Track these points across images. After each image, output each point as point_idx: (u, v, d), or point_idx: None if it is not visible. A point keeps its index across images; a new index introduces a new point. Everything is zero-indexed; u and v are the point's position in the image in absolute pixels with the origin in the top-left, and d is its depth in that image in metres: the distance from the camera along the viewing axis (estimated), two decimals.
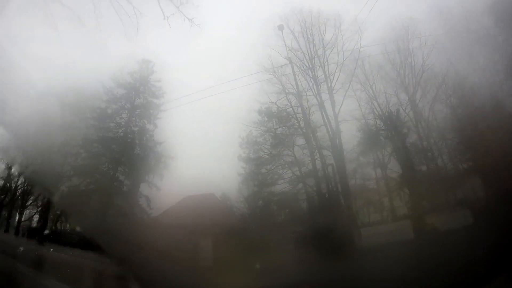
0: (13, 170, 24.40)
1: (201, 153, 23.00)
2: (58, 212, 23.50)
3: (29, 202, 24.90)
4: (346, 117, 22.83)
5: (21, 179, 24.62)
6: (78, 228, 21.87)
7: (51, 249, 19.56)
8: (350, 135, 22.98)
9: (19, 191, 25.02)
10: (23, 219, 24.31)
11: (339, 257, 14.87)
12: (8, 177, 24.35)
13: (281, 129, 22.80)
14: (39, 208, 24.53)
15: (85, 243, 16.83)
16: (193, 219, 20.79)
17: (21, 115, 19.90)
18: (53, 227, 23.78)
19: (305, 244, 17.70)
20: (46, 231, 22.64)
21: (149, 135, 24.36)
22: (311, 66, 23.41)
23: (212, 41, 24.40)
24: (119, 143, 23.36)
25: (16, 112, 20.07)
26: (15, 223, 24.00)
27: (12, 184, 24.78)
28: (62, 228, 24.06)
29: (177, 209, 22.63)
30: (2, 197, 23.46)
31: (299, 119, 22.54)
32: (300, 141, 22.58)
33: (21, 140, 21.10)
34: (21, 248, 19.16)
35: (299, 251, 17.93)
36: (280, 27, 23.38)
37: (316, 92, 23.29)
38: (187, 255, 18.64)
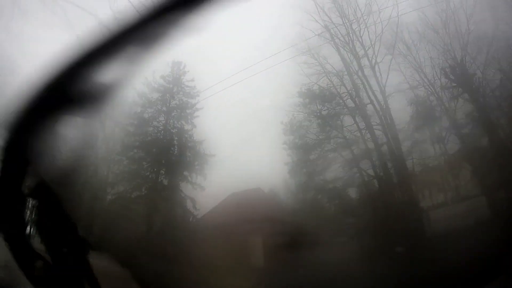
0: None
1: (242, 147, 21.93)
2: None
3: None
4: (393, 91, 20.37)
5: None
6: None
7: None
8: (400, 110, 20.50)
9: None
10: None
11: (412, 246, 12.82)
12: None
13: (326, 110, 20.91)
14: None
15: None
16: (239, 216, 19.76)
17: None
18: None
19: (366, 235, 15.94)
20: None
21: (188, 135, 23.81)
22: (348, 40, 21.29)
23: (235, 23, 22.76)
24: (159, 146, 23.00)
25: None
26: None
27: None
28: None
29: (223, 207, 21.80)
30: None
31: (343, 98, 20.50)
32: (348, 121, 20.59)
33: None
34: None
35: (361, 243, 16.18)
36: None
37: (357, 68, 21.20)
38: (237, 255, 17.63)
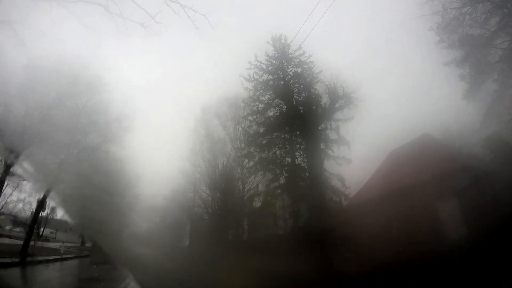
0: None
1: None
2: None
3: None
4: None
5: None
6: None
7: None
8: None
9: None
10: None
11: None
12: None
13: None
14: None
15: None
16: (411, 176, 14.41)
17: None
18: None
19: None
20: None
21: (318, 100, 19.90)
22: None
23: None
24: (286, 123, 19.80)
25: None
26: None
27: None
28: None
29: (384, 171, 16.82)
30: None
31: None
32: None
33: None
34: None
35: None
36: None
37: None
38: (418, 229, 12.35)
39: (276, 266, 16.74)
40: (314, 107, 19.19)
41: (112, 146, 21.56)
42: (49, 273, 12.36)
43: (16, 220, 27.47)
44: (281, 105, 20.75)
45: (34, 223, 17.03)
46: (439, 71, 15.19)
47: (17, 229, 27.97)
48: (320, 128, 18.76)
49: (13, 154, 17.60)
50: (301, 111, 19.31)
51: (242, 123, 24.69)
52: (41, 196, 17.60)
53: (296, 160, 19.10)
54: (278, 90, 21.15)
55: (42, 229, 30.98)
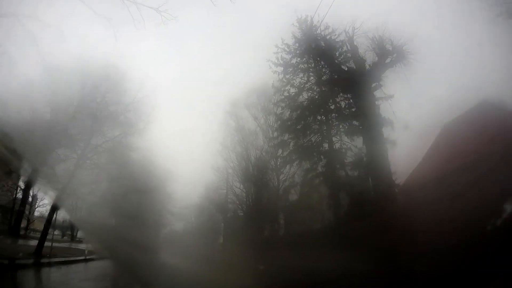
0: None
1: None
2: None
3: None
4: None
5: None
6: None
7: None
8: None
9: None
10: None
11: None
12: None
13: None
14: None
15: None
16: (473, 151, 12.12)
17: None
18: None
19: None
20: None
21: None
22: None
23: None
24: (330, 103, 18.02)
25: None
26: None
27: None
28: None
29: (440, 148, 14.58)
30: None
31: None
32: None
33: None
34: None
35: None
36: None
37: None
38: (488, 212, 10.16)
39: (320, 262, 15.00)
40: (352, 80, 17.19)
41: (135, 140, 20.82)
42: (52, 275, 11.45)
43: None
44: (314, 88, 19.03)
45: (49, 224, 16.46)
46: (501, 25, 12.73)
47: (56, 232, 28.30)
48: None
49: (40, 158, 17.48)
50: (338, 90, 17.43)
51: (274, 112, 23.33)
52: (53, 198, 16.97)
53: (334, 145, 17.26)
54: (309, 72, 19.51)
55: (76, 231, 31.44)
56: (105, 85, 18.24)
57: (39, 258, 13.08)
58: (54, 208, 17.10)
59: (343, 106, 17.72)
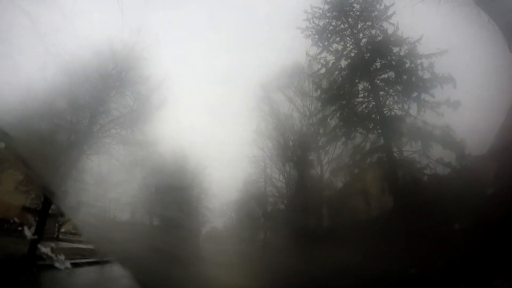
0: None
1: None
2: None
3: None
4: None
5: None
6: None
7: None
8: None
9: None
10: None
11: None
12: None
13: None
14: None
15: None
16: None
17: None
18: None
19: None
20: None
21: None
22: None
23: None
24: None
25: None
26: None
27: None
28: None
29: None
30: None
31: None
32: None
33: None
34: None
35: None
36: None
37: None
38: None
39: (371, 259, 12.06)
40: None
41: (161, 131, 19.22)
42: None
43: None
44: (354, 52, 16.05)
45: (42, 221, 14.71)
46: None
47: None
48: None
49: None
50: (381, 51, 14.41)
51: (310, 88, 20.66)
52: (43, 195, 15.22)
53: (385, 114, 14.15)
54: (346, 37, 16.65)
55: None
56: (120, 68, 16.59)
57: (33, 261, 11.27)
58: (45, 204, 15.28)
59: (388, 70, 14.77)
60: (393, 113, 13.99)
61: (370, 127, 14.11)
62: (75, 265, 12.42)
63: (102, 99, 16.45)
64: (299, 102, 22.46)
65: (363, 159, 14.42)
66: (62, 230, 25.43)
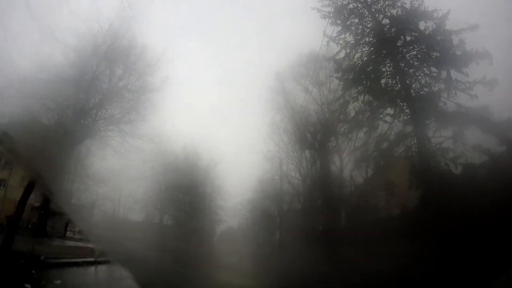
0: None
1: None
2: None
3: None
4: None
5: None
6: None
7: None
8: None
9: None
10: None
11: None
12: None
13: None
14: None
15: None
16: None
17: None
18: None
19: None
20: None
21: None
22: None
23: None
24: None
25: None
26: None
27: None
28: None
29: None
30: None
31: None
32: None
33: None
34: None
35: None
36: None
37: None
38: None
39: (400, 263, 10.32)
40: None
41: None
42: None
43: None
44: (376, 28, 14.36)
45: (16, 218, 12.89)
46: None
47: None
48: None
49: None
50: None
51: (327, 80, 19.12)
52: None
53: (413, 96, 12.39)
54: (365, 16, 14.98)
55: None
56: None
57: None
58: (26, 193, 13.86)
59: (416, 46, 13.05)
60: (422, 93, 12.24)
61: (397, 111, 12.34)
62: (63, 264, 11.32)
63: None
64: (315, 92, 20.90)
65: (390, 148, 12.72)
66: (76, 229, 24.76)
